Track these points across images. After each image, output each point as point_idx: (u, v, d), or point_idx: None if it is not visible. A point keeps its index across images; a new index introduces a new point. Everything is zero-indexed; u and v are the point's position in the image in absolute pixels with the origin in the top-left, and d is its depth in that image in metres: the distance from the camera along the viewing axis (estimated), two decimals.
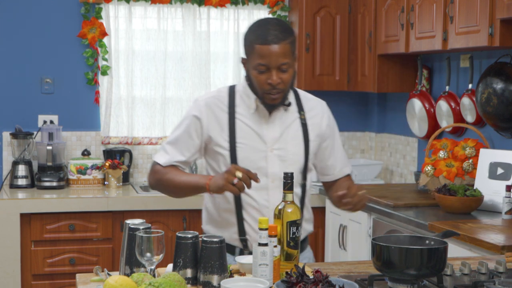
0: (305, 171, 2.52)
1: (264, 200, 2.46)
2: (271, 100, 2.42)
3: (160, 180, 2.53)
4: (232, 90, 2.54)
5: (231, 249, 2.50)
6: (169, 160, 2.52)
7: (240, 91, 2.52)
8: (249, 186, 2.26)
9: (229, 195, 2.47)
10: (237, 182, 2.24)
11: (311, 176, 2.62)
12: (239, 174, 2.25)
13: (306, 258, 2.59)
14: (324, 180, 2.68)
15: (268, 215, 2.43)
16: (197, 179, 2.42)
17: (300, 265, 2.21)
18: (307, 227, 2.59)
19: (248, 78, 2.46)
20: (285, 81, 2.39)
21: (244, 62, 2.48)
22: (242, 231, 2.48)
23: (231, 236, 2.50)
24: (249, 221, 2.48)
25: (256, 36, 2.40)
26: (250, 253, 2.44)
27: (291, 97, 2.53)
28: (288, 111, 2.51)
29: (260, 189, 2.44)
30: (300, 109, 2.54)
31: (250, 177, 2.26)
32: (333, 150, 2.61)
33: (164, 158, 2.53)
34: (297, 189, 2.49)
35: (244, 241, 2.50)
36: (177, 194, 2.58)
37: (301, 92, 2.61)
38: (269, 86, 2.38)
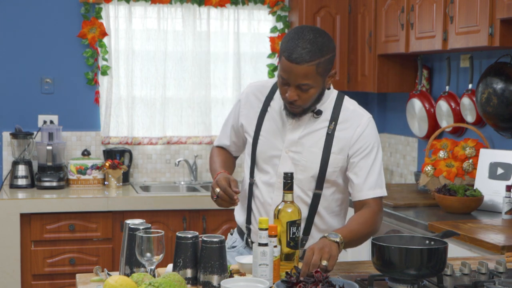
0: (320, 180, 2.43)
1: (269, 197, 2.48)
2: (289, 110, 2.41)
3: (210, 158, 2.69)
4: (276, 84, 2.52)
5: (241, 234, 2.60)
6: (218, 143, 2.71)
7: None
8: (230, 202, 2.32)
9: (245, 182, 2.56)
10: (216, 199, 2.34)
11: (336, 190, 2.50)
12: (217, 190, 2.33)
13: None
14: (351, 199, 2.49)
15: (270, 213, 2.44)
16: (213, 171, 2.55)
17: (300, 265, 2.21)
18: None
19: None
20: (303, 99, 2.33)
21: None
22: (248, 219, 2.54)
23: (242, 222, 2.58)
24: (255, 212, 2.52)
25: (285, 47, 2.30)
26: (253, 242, 2.50)
27: (329, 105, 2.44)
28: (318, 119, 2.43)
29: (269, 185, 2.48)
30: (333, 119, 2.44)
31: (229, 191, 2.30)
32: (360, 168, 2.41)
33: (217, 139, 2.72)
34: (306, 197, 2.44)
35: (248, 229, 2.55)
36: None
37: (346, 102, 2.48)
38: (286, 99, 2.35)
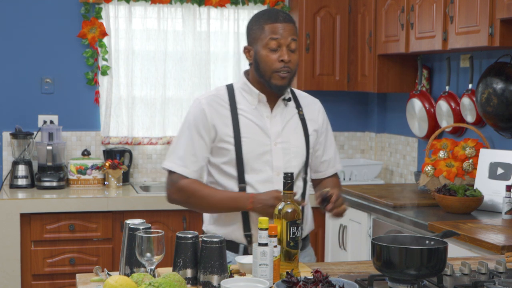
0: (306, 164, 2.57)
1: None
2: (280, 79, 2.46)
3: (190, 198, 2.51)
4: (230, 88, 2.57)
5: (235, 247, 2.51)
6: (190, 172, 2.50)
7: (240, 88, 2.55)
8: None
9: (233, 188, 2.50)
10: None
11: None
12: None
13: (307, 256, 2.59)
14: (315, 177, 2.71)
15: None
16: (237, 200, 2.42)
17: (302, 266, 2.22)
18: (308, 225, 2.60)
19: (255, 64, 2.49)
20: (293, 62, 2.48)
21: (249, 49, 2.52)
22: (247, 227, 2.50)
23: (234, 233, 2.51)
24: (254, 216, 2.47)
25: (266, 17, 2.48)
26: None
27: (287, 94, 2.59)
28: (288, 107, 2.56)
29: (265, 182, 2.48)
30: (298, 105, 2.60)
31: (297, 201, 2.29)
32: (327, 147, 2.66)
33: (182, 168, 2.49)
34: (299, 182, 2.54)
35: (248, 236, 2.51)
36: (210, 211, 2.56)
37: (296, 90, 2.67)
38: (280, 64, 2.44)
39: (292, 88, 2.65)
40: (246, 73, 2.57)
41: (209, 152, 2.52)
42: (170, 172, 2.53)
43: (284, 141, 2.51)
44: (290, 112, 2.56)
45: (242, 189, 2.48)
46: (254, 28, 2.50)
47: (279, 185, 2.45)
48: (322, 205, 2.38)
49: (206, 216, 2.63)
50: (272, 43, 2.44)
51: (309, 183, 2.63)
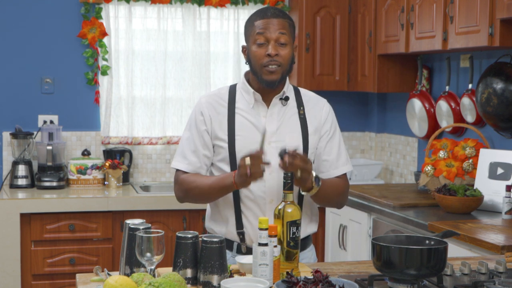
0: None
1: (261, 191, 2.48)
2: (269, 74, 2.46)
3: (188, 190, 2.54)
4: (232, 87, 2.60)
5: (229, 245, 2.53)
6: (190, 168, 2.54)
7: (240, 88, 2.58)
8: (261, 167, 2.29)
9: None
10: (250, 171, 2.28)
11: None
12: (248, 161, 2.29)
13: (306, 258, 2.59)
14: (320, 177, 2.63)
15: (265, 207, 2.48)
16: (223, 179, 2.44)
17: (302, 266, 2.22)
18: (308, 227, 2.59)
19: (249, 62, 2.52)
20: (283, 56, 2.46)
21: (245, 49, 2.57)
22: (239, 225, 2.51)
23: (230, 231, 2.53)
24: (246, 214, 2.50)
25: (256, 14, 2.52)
26: (247, 247, 2.49)
27: (290, 94, 2.57)
28: (287, 106, 2.54)
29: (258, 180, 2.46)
30: (300, 104, 2.57)
31: (257, 157, 2.28)
32: (330, 147, 2.58)
33: (183, 164, 2.54)
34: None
35: (241, 234, 2.52)
36: (207, 199, 2.56)
37: (302, 90, 2.65)
38: (267, 58, 2.45)
39: (299, 88, 2.64)
40: (247, 73, 2.59)
41: (210, 148, 2.54)
42: (176, 171, 2.59)
43: (278, 140, 2.50)
44: (289, 111, 2.54)
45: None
46: (247, 26, 2.55)
47: (271, 184, 2.48)
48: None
49: (206, 213, 2.67)
50: (260, 38, 2.46)
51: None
